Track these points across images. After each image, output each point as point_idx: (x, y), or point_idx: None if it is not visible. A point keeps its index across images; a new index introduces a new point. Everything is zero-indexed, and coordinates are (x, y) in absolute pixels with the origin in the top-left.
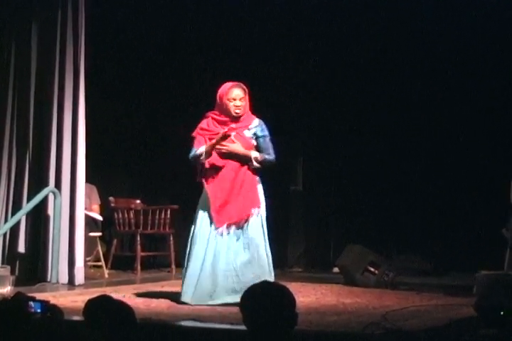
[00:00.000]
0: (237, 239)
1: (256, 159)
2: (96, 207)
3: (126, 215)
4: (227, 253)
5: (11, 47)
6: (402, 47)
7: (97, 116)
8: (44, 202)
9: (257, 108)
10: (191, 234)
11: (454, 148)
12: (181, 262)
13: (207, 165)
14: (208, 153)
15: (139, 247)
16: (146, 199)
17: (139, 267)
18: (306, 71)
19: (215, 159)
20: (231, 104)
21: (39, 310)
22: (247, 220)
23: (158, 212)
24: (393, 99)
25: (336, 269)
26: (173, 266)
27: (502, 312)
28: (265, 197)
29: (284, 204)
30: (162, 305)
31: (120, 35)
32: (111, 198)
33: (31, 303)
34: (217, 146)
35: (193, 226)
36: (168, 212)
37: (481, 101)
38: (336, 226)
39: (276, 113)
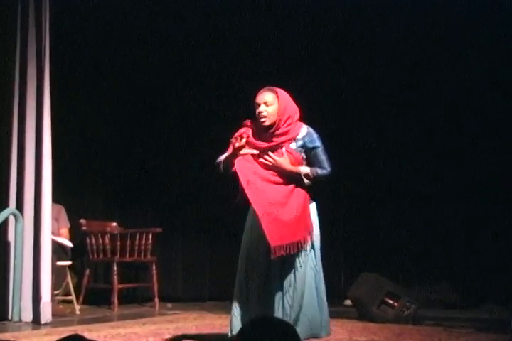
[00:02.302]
0: (287, 271)
1: (307, 175)
2: (65, 231)
3: (100, 240)
4: (278, 286)
5: None
6: (411, 49)
7: (64, 126)
8: (3, 225)
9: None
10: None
11: (485, 172)
12: (165, 294)
13: (242, 174)
14: (228, 163)
15: (115, 278)
16: (124, 221)
17: (116, 301)
18: (307, 76)
19: (254, 170)
20: (257, 111)
21: None
22: (302, 245)
23: (137, 236)
24: (408, 109)
25: (347, 301)
26: (157, 300)
27: None
28: None
29: None
30: None
31: (89, 44)
32: (82, 220)
33: None
34: (262, 160)
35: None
36: (150, 236)
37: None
38: (346, 251)
39: None
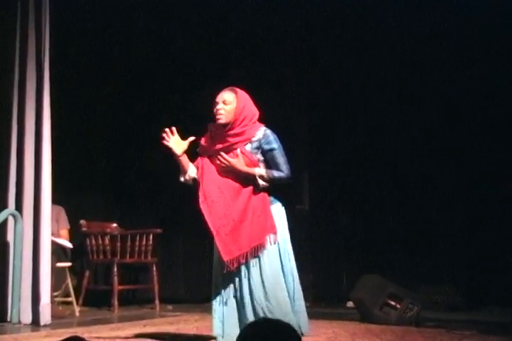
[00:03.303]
0: (252, 272)
1: (262, 177)
2: (64, 232)
3: (100, 241)
4: (245, 287)
5: None
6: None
7: (65, 127)
8: (2, 226)
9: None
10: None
11: (490, 172)
12: (165, 296)
13: (201, 187)
14: (182, 171)
15: (116, 279)
16: (124, 222)
17: (116, 303)
18: (309, 82)
19: (209, 179)
20: (214, 109)
21: None
22: (259, 249)
23: (138, 237)
24: (408, 112)
25: (349, 303)
26: (157, 302)
27: None
28: None
29: (288, 226)
30: None
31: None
32: (82, 221)
33: None
34: (217, 162)
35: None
36: (151, 237)
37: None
38: (348, 253)
39: (278, 124)
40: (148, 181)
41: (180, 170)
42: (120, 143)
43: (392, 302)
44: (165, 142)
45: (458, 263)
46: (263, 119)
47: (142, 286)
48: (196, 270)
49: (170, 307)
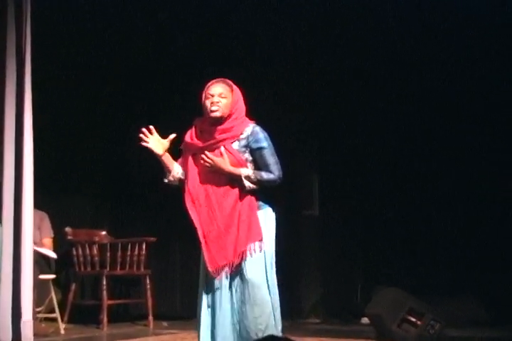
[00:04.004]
0: (236, 283)
1: (248, 178)
2: (48, 240)
3: (88, 251)
4: (227, 300)
5: None
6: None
7: (49, 126)
8: None
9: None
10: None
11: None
12: (160, 312)
13: (185, 189)
14: (165, 172)
15: (105, 293)
16: (114, 229)
17: (105, 320)
18: (317, 80)
19: (195, 180)
20: (208, 102)
21: None
22: (244, 257)
23: (130, 246)
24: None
25: (365, 319)
26: (151, 318)
27: None
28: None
29: (295, 234)
30: None
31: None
32: (68, 229)
33: None
34: (201, 161)
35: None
36: (144, 246)
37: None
38: (363, 263)
39: (287, 124)
40: (141, 184)
41: (164, 170)
42: (109, 143)
43: (412, 319)
44: (143, 143)
45: (483, 276)
46: (266, 119)
47: (134, 301)
48: (194, 283)
49: (165, 323)
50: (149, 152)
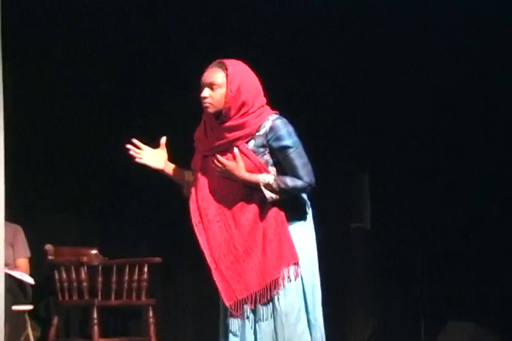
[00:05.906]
0: (265, 316)
1: (269, 186)
2: (23, 261)
3: (74, 275)
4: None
5: None
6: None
7: (25, 128)
8: None
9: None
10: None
11: None
12: None
13: (193, 202)
14: (180, 186)
15: (96, 329)
16: (107, 248)
17: None
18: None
19: (204, 189)
20: (201, 95)
21: None
22: (274, 288)
23: (127, 269)
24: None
25: None
26: None
27: None
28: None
29: (342, 251)
30: None
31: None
32: (48, 247)
33: None
34: (212, 166)
35: None
36: (145, 269)
37: None
38: (427, 288)
39: (330, 124)
40: (140, 192)
41: (177, 184)
42: (101, 146)
43: None
44: (137, 160)
45: None
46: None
47: (134, 339)
48: (209, 315)
49: None
50: (150, 169)
